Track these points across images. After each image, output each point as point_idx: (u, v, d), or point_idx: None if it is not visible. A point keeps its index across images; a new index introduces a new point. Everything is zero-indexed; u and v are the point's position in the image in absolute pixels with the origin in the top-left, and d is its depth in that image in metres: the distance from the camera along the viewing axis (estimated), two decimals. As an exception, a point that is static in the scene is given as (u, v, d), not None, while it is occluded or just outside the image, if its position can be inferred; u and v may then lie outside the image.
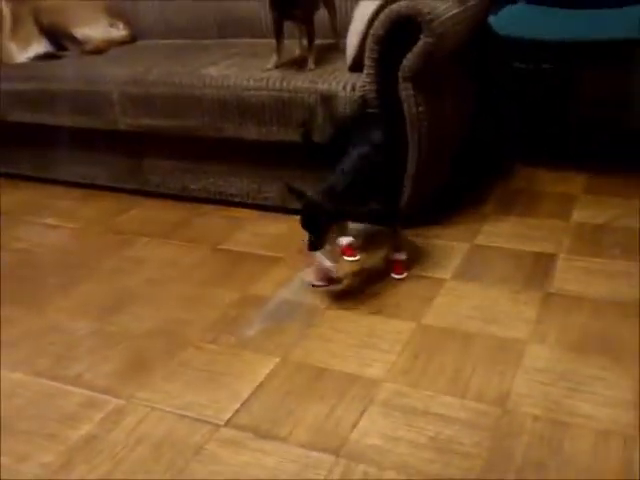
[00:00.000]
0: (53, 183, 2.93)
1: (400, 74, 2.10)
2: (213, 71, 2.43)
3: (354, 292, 1.94)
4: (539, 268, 1.99)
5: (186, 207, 2.62)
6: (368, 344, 1.71)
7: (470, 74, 2.51)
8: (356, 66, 2.23)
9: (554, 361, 1.59)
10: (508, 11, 2.48)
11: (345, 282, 1.99)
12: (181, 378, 1.64)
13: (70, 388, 1.63)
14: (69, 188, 2.88)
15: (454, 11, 2.15)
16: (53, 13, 2.99)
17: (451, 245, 2.17)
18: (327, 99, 2.21)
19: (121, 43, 3.06)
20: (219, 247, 2.30)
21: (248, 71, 2.38)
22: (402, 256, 2.01)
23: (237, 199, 2.56)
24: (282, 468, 1.35)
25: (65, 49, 3.02)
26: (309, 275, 1.99)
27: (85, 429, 1.49)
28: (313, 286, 1.95)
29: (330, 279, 1.97)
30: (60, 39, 3.01)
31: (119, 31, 3.09)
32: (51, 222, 2.60)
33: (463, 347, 1.67)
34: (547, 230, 2.21)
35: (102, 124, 2.63)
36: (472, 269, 2.03)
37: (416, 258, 2.08)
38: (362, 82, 2.16)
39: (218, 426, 1.47)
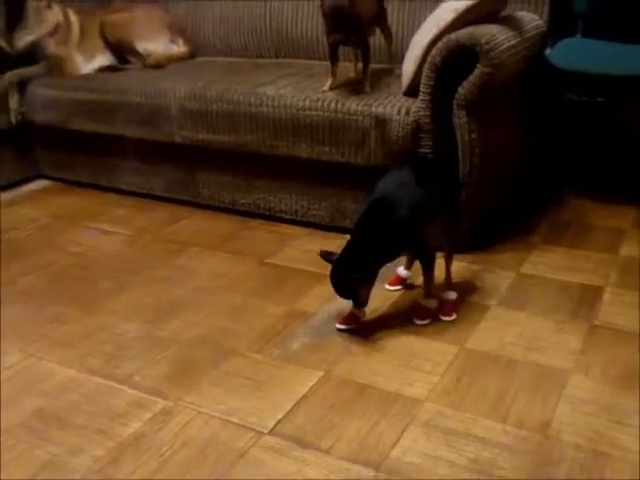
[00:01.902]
0: (109, 191, 3.03)
1: (455, 102, 2.14)
2: (270, 90, 2.50)
3: (399, 313, 1.97)
4: (585, 300, 1.99)
5: (235, 220, 2.69)
6: (411, 364, 1.73)
7: (525, 104, 2.53)
8: (411, 91, 2.28)
9: (597, 393, 1.60)
10: (566, 44, 2.50)
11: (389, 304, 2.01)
12: (226, 385, 1.68)
13: (121, 387, 1.68)
14: (124, 196, 2.97)
15: (512, 42, 2.19)
16: (118, 27, 3.12)
17: (497, 272, 2.18)
18: (381, 122, 2.25)
19: (181, 59, 3.17)
20: (266, 261, 2.35)
21: (304, 92, 2.45)
22: (452, 295, 1.98)
23: (286, 216, 2.61)
24: (322, 477, 1.37)
25: (127, 62, 3.14)
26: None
27: (134, 427, 1.54)
28: (338, 329, 1.90)
29: (358, 322, 1.92)
30: (123, 52, 3.13)
31: (179, 47, 3.20)
32: (106, 228, 2.69)
33: (506, 373, 1.68)
34: (595, 263, 2.21)
35: (159, 136, 2.72)
36: (518, 297, 2.04)
37: (462, 282, 2.10)
38: (416, 107, 2.21)
39: (262, 433, 1.50)
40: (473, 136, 2.16)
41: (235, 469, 1.40)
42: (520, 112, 2.56)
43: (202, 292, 2.16)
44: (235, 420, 1.55)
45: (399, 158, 2.19)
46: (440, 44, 2.14)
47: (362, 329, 1.89)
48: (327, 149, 2.37)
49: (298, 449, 1.45)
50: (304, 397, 1.63)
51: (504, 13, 2.35)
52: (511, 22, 2.23)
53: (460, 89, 2.13)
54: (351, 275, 1.78)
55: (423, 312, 1.93)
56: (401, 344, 1.82)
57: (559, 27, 2.54)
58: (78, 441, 1.50)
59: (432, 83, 2.16)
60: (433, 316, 1.93)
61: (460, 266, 2.19)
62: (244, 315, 2.01)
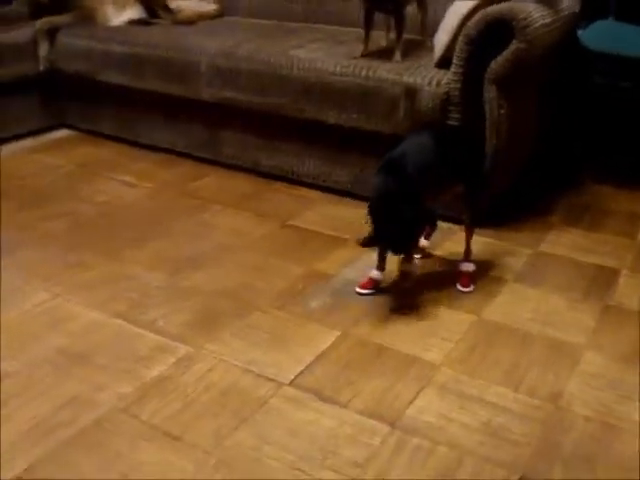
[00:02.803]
0: (132, 144, 3.05)
1: (487, 76, 2.15)
2: (301, 53, 2.51)
3: (419, 281, 1.99)
4: (600, 281, 2.03)
5: (257, 181, 2.71)
6: (429, 330, 1.77)
7: (553, 84, 2.54)
8: (443, 63, 2.28)
9: (608, 369, 1.63)
10: (597, 26, 2.50)
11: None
12: (247, 337, 1.73)
13: (144, 332, 1.73)
14: (146, 151, 3.00)
15: (547, 20, 2.19)
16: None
17: (515, 249, 2.21)
18: (411, 92, 2.27)
19: (210, 17, 3.17)
20: (288, 223, 2.38)
21: (335, 57, 2.46)
22: (470, 267, 2.01)
23: (308, 180, 2.64)
24: (340, 430, 1.42)
25: (158, 17, 3.14)
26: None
27: (158, 370, 1.59)
28: (358, 294, 1.93)
29: (378, 287, 1.95)
30: (154, 7, 3.13)
31: (209, 5, 3.20)
32: (129, 180, 2.72)
33: (520, 344, 1.72)
34: (611, 246, 2.23)
35: (187, 92, 2.74)
36: (534, 274, 2.07)
37: (481, 256, 2.13)
38: (447, 79, 2.22)
39: (282, 384, 1.55)
40: (502, 112, 2.18)
41: (255, 416, 1.45)
42: (548, 92, 2.56)
43: (224, 249, 2.19)
44: (256, 370, 1.60)
45: (421, 124, 2.20)
46: (477, 16, 2.15)
47: (380, 295, 1.93)
48: (355, 116, 2.39)
49: (317, 401, 1.50)
50: (323, 353, 1.67)
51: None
52: (547, 1, 2.23)
53: (493, 64, 2.14)
54: (405, 213, 1.73)
55: (465, 277, 1.98)
56: (418, 310, 1.85)
57: (593, 9, 2.53)
58: (103, 379, 1.55)
59: (465, 55, 2.17)
60: (474, 279, 1.98)
61: (480, 240, 2.20)
62: (265, 273, 2.05)
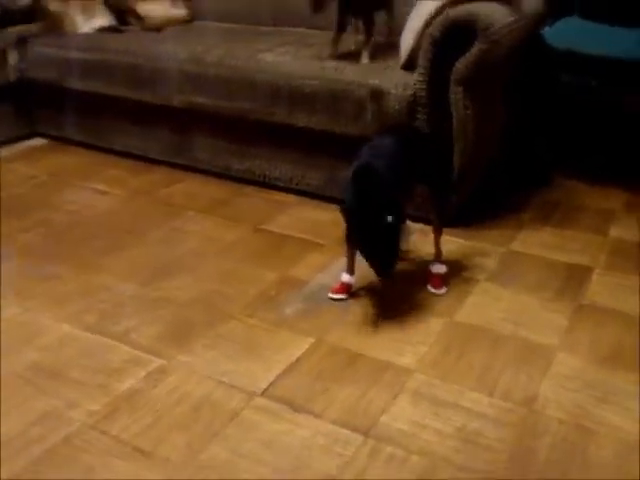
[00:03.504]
0: (105, 151, 3.01)
1: (452, 77, 2.16)
2: (269, 57, 2.50)
3: (390, 286, 1.98)
4: (573, 279, 2.04)
5: (229, 186, 2.70)
6: (402, 334, 1.77)
7: (519, 83, 2.55)
8: (409, 65, 2.28)
9: (583, 370, 1.64)
10: (562, 24, 2.51)
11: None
12: (219, 347, 1.72)
13: (116, 344, 1.71)
14: (119, 158, 2.97)
15: (509, 20, 2.18)
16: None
17: (487, 248, 2.22)
18: (377, 95, 2.26)
19: (180, 22, 3.15)
20: (260, 227, 2.37)
21: (302, 60, 2.45)
22: (441, 269, 2.00)
23: (280, 183, 2.63)
24: (313, 440, 1.41)
25: (127, 24, 3.10)
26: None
27: (130, 383, 1.57)
28: (331, 299, 1.92)
29: (350, 291, 1.94)
30: (123, 14, 3.10)
31: (179, 10, 3.17)
32: (100, 188, 2.69)
33: (493, 347, 1.73)
34: (584, 243, 2.25)
35: (158, 99, 2.71)
36: (506, 273, 2.08)
37: (452, 257, 2.14)
38: (414, 81, 2.22)
39: (254, 395, 1.54)
40: (468, 112, 2.18)
41: (228, 429, 1.44)
42: (514, 90, 2.56)
43: (197, 255, 2.18)
44: (228, 381, 1.59)
45: (385, 127, 2.19)
46: (440, 18, 2.15)
47: (353, 299, 1.93)
48: (324, 119, 2.38)
49: (289, 411, 1.49)
50: (296, 362, 1.66)
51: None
52: (510, 1, 2.23)
53: (457, 64, 2.14)
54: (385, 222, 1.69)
55: (437, 279, 1.97)
56: (391, 314, 1.85)
57: (558, 7, 2.54)
58: (74, 394, 1.53)
59: (430, 57, 2.17)
60: (446, 280, 1.98)
61: (450, 241, 2.22)
62: (238, 280, 2.04)
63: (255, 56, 2.52)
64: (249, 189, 2.67)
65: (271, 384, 1.58)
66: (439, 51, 2.16)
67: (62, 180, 2.76)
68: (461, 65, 2.14)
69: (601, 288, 1.99)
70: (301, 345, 1.73)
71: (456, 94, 2.17)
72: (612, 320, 1.84)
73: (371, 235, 1.73)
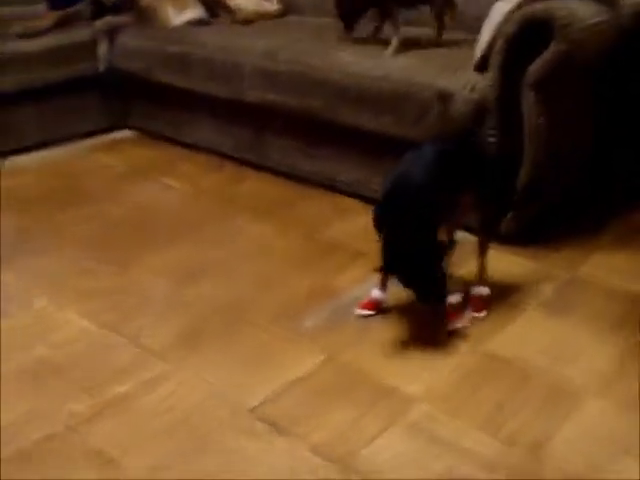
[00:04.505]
0: (186, 145, 3.06)
1: (525, 80, 1.97)
2: (342, 55, 2.41)
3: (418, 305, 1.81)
4: (636, 314, 1.79)
5: (297, 187, 2.64)
6: (419, 359, 1.64)
7: (609, 89, 2.28)
8: (482, 65, 2.11)
9: (611, 420, 1.44)
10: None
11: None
12: (227, 356, 1.68)
13: (127, 344, 1.72)
14: (198, 152, 3.00)
15: (597, 19, 1.95)
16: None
17: (549, 271, 2.01)
18: (444, 97, 2.11)
19: (272, 16, 3.12)
20: (314, 233, 2.29)
21: (373, 59, 2.34)
22: (484, 291, 1.83)
23: (346, 187, 2.53)
24: (282, 466, 1.33)
25: (218, 17, 3.13)
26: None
27: (125, 387, 1.56)
28: (358, 315, 1.81)
29: (380, 308, 1.82)
30: (214, 6, 3.13)
31: (271, 4, 3.15)
32: (172, 183, 2.73)
33: (518, 383, 1.55)
34: (663, 272, 1.98)
35: (231, 94, 2.70)
36: (563, 301, 1.87)
37: (506, 276, 1.96)
38: (484, 84, 2.05)
39: (242, 411, 1.48)
40: (541, 120, 1.98)
41: (207, 443, 1.39)
42: (601, 97, 2.30)
43: (240, 258, 2.15)
44: (222, 394, 1.54)
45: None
46: (515, 15, 1.97)
47: (382, 316, 1.81)
48: (389, 121, 2.26)
49: (271, 433, 1.42)
50: (299, 379, 1.58)
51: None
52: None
53: (531, 67, 1.95)
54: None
55: (478, 301, 1.81)
56: (416, 336, 1.72)
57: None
58: (68, 394, 1.54)
59: (503, 58, 1.99)
60: (490, 303, 1.82)
61: (508, 259, 2.05)
62: (272, 286, 1.98)
63: (327, 54, 2.44)
64: (316, 192, 2.60)
65: (263, 401, 1.51)
66: (513, 51, 1.98)
67: (138, 172, 2.83)
68: (535, 67, 1.94)
69: (666, 327, 1.74)
70: (311, 361, 1.64)
71: (528, 99, 1.98)
72: (666, 366, 1.60)
73: (409, 258, 1.61)
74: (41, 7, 3.18)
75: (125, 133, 3.28)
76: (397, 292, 1.82)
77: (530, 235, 2.13)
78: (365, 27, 2.59)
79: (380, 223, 1.67)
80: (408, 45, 2.39)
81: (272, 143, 2.72)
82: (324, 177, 2.59)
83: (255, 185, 2.70)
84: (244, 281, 2.02)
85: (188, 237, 2.30)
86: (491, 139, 2.05)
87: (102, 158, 3.02)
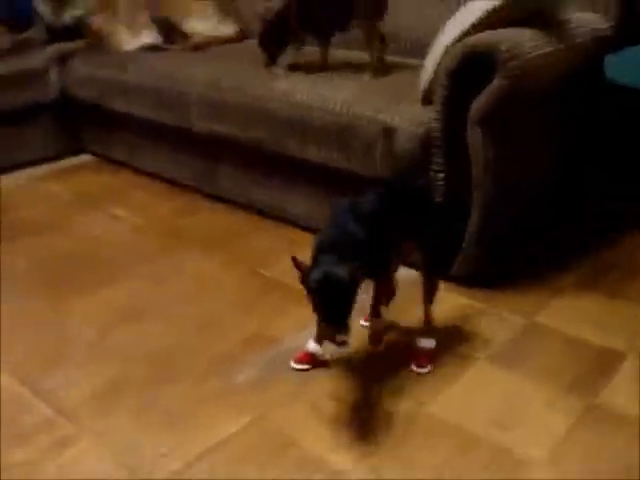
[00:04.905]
0: (140, 172, 2.94)
1: (469, 116, 1.84)
2: (283, 84, 2.28)
3: (363, 359, 1.71)
4: (597, 368, 1.65)
5: (249, 219, 2.52)
6: (349, 424, 1.49)
7: (566, 118, 2.16)
8: (427, 98, 1.98)
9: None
10: (629, 53, 2.09)
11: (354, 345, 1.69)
12: (143, 417, 1.54)
13: (39, 403, 1.58)
14: (153, 180, 2.89)
15: (545, 50, 1.83)
16: (167, 3, 2.99)
17: (503, 316, 1.88)
18: (388, 131, 1.98)
19: (229, 41, 3.00)
20: (258, 270, 2.16)
21: (316, 88, 2.21)
22: (428, 343, 1.69)
23: (297, 219, 2.41)
24: None
25: (173, 42, 3.01)
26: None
27: (27, 453, 1.43)
28: (294, 369, 1.68)
29: (316, 362, 1.69)
30: (169, 32, 3.01)
31: (228, 28, 3.03)
32: (120, 213, 2.61)
33: (458, 450, 1.41)
34: (629, 319, 1.84)
35: (180, 123, 2.58)
36: (516, 352, 1.74)
37: (455, 322, 1.83)
38: (428, 118, 1.92)
39: (149, 484, 1.35)
40: (489, 156, 1.86)
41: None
42: (558, 127, 2.18)
43: (177, 299, 2.02)
44: (130, 462, 1.40)
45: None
46: (456, 47, 1.84)
47: (318, 371, 1.67)
48: (335, 155, 2.13)
49: (176, 512, 1.29)
50: (218, 444, 1.45)
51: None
52: (553, 25, 1.87)
53: (474, 102, 1.82)
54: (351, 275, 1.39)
55: (422, 356, 1.67)
56: (350, 396, 1.58)
57: (631, 31, 2.12)
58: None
59: (446, 93, 1.86)
60: (434, 358, 1.68)
61: (459, 301, 1.92)
62: (209, 332, 1.85)
63: (269, 82, 2.32)
64: (268, 223, 2.48)
65: (176, 471, 1.37)
66: (456, 85, 1.85)
67: (86, 202, 2.71)
68: (479, 104, 1.81)
69: (625, 384, 1.60)
70: (235, 423, 1.50)
71: (474, 135, 1.85)
72: (621, 428, 1.46)
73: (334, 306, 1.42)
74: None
75: (82, 159, 3.17)
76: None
77: (484, 275, 2.00)
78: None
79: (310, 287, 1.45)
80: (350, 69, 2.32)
81: (224, 173, 2.60)
82: (276, 209, 2.46)
83: (207, 216, 2.58)
84: (180, 325, 1.89)
85: (131, 273, 2.17)
86: (439, 177, 1.92)
87: (51, 186, 2.89)
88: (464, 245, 1.93)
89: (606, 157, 2.34)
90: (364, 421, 1.50)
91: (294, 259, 1.45)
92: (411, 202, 1.64)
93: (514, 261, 2.11)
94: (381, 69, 2.29)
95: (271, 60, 2.42)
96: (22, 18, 3.08)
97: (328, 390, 1.60)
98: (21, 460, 1.41)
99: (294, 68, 2.41)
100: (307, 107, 2.15)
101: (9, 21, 3.07)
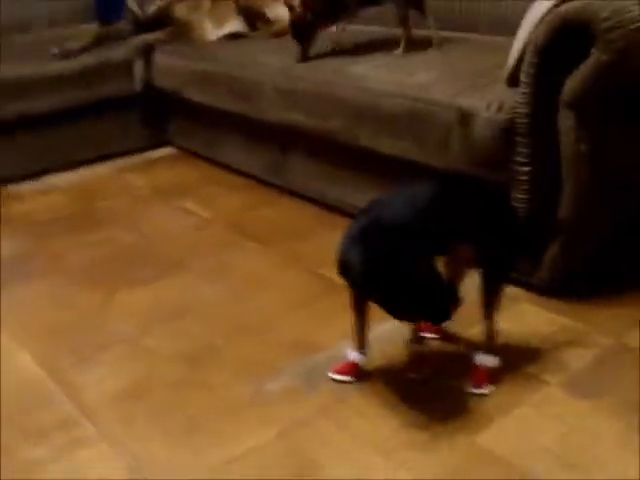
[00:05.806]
0: (219, 165, 2.86)
1: (561, 98, 1.59)
2: (359, 69, 2.11)
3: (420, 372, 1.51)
4: (690, 407, 1.37)
5: (318, 214, 2.37)
6: (386, 446, 1.31)
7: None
8: (514, 79, 1.75)
9: None
10: None
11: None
12: (163, 423, 1.42)
13: (65, 400, 1.51)
14: (229, 173, 2.79)
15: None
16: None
17: (588, 335, 1.61)
18: (466, 117, 1.77)
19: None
20: (319, 270, 2.00)
21: (392, 73, 2.02)
22: (490, 361, 1.47)
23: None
24: None
25: (257, 29, 2.91)
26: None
27: (42, 450, 1.36)
28: (333, 380, 1.51)
29: (358, 374, 1.52)
30: (253, 19, 2.91)
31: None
32: (190, 207, 2.53)
33: (505, 492, 1.20)
34: None
35: (253, 112, 2.47)
36: (595, 378, 1.47)
37: (529, 337, 1.59)
38: (513, 102, 1.68)
39: (150, 500, 1.23)
40: (582, 147, 1.60)
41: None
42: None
43: (230, 297, 1.90)
44: (140, 474, 1.29)
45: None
46: (548, 17, 1.59)
47: (361, 383, 1.49)
48: (407, 144, 1.94)
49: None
50: (236, 458, 1.31)
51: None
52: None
53: (568, 82, 1.57)
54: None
55: (481, 374, 1.46)
56: (395, 414, 1.39)
57: None
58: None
59: (533, 71, 1.62)
60: (496, 378, 1.46)
61: (540, 315, 1.68)
62: (248, 335, 1.72)
63: (343, 68, 2.15)
64: (338, 220, 2.27)
65: (183, 486, 1.25)
66: (546, 63, 1.60)
67: (159, 195, 2.66)
68: (572, 83, 1.57)
69: None
70: (256, 437, 1.36)
71: (566, 121, 1.60)
72: None
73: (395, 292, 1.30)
74: (84, 27, 3.11)
75: (166, 151, 3.13)
76: (380, 354, 1.52)
77: (571, 286, 1.74)
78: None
79: (344, 270, 1.41)
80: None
81: (295, 165, 2.46)
82: (346, 204, 2.28)
83: (275, 210, 2.45)
84: (221, 325, 1.76)
85: (185, 269, 2.08)
86: (522, 171, 1.68)
87: (131, 178, 2.86)
88: (549, 252, 1.68)
89: None
90: (404, 447, 1.31)
91: None
92: (470, 199, 1.43)
93: (608, 271, 1.82)
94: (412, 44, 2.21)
95: (305, 49, 2.30)
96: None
97: (364, 407, 1.42)
98: (34, 458, 1.34)
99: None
100: (379, 93, 1.98)
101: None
